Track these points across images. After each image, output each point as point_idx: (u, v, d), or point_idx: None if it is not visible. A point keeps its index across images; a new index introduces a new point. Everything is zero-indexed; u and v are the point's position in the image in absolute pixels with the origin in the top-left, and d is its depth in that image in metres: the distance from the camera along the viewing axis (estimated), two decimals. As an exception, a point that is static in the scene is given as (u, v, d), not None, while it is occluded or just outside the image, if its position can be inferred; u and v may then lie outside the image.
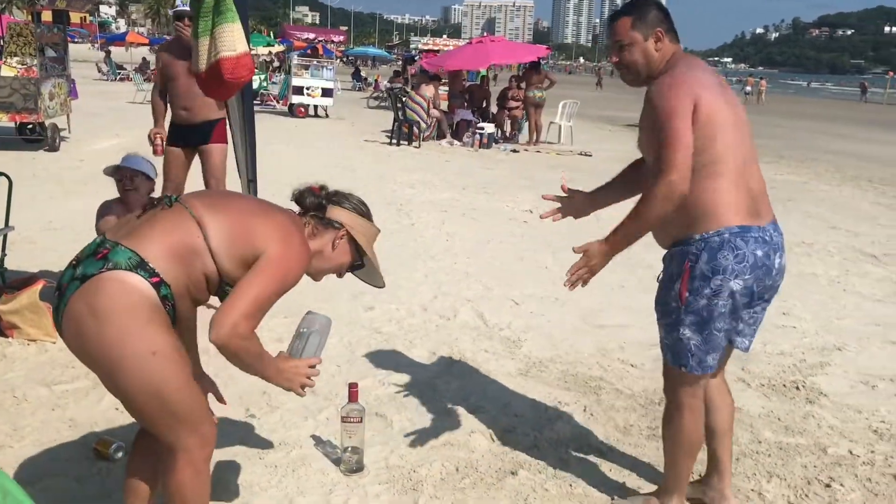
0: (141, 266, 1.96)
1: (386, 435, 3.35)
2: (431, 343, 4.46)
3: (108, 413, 3.41)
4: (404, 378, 3.96)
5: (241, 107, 4.02)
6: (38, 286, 4.20)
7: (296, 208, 2.40)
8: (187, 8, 5.13)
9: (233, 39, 3.32)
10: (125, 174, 4.27)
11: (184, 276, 2.05)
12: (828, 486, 3.11)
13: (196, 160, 5.47)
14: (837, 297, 5.86)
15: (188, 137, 5.40)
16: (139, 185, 4.29)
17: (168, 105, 5.47)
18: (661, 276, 2.66)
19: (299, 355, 2.28)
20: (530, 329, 4.78)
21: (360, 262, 2.45)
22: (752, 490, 3.06)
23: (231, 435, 3.23)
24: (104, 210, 4.34)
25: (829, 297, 5.85)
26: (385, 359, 4.18)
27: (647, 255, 5.28)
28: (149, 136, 5.60)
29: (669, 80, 2.49)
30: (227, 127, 5.35)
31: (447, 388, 3.86)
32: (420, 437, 3.33)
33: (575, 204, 2.92)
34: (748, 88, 41.85)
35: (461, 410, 3.62)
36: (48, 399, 3.51)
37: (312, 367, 2.24)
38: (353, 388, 3.04)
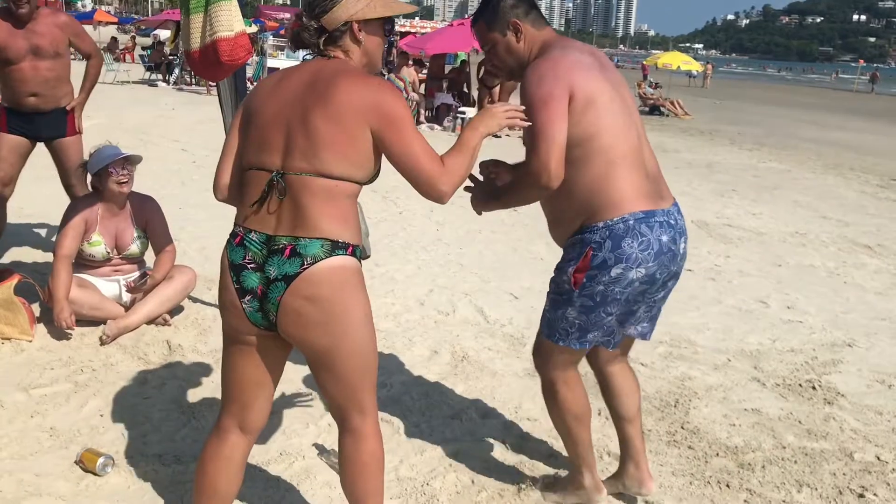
0: (335, 247, 2.01)
1: (393, 442, 3.14)
2: (432, 341, 4.25)
3: (92, 420, 3.17)
4: (408, 380, 3.75)
5: (234, 88, 3.76)
6: (13, 280, 3.91)
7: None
8: None
9: (230, 18, 3.09)
10: (117, 167, 3.98)
11: (359, 227, 2.11)
12: (861, 496, 2.96)
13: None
14: (839, 289, 5.75)
15: (38, 128, 4.59)
16: (132, 172, 4.03)
17: (5, 90, 4.54)
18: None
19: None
20: (532, 325, 4.53)
21: (389, 21, 2.20)
22: (784, 501, 2.90)
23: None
24: (72, 215, 4.03)
25: (831, 289, 5.74)
26: (385, 358, 3.96)
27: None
28: None
29: (541, 68, 2.34)
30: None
31: (454, 391, 3.66)
32: (430, 446, 3.14)
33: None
34: (694, 73, 41.56)
35: (471, 415, 3.43)
36: (26, 405, 3.25)
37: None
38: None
